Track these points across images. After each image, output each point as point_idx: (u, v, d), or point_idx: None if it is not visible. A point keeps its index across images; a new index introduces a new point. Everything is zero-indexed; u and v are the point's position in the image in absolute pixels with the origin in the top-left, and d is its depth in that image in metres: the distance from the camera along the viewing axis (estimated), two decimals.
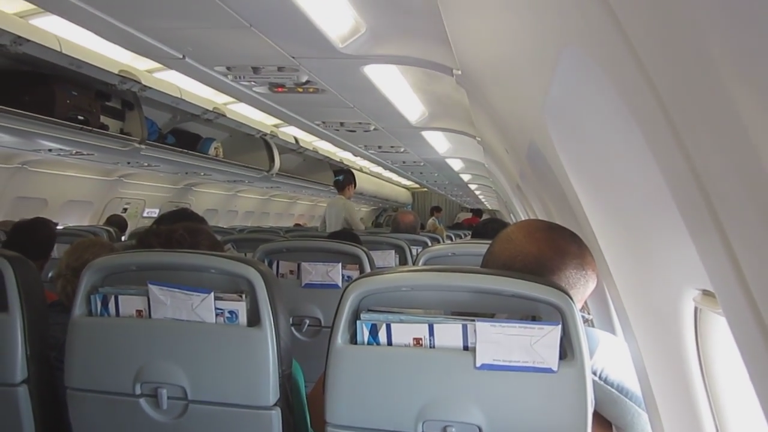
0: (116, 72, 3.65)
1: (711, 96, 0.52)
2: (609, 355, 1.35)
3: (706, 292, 0.99)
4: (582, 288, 1.35)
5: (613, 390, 1.32)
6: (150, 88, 4.00)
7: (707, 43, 0.47)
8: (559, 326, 1.16)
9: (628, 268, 1.32)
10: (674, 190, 0.69)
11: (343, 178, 6.57)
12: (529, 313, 1.23)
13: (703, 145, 0.59)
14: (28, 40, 2.96)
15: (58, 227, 5.09)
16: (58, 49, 3.13)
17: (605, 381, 1.32)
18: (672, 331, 1.16)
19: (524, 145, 2.04)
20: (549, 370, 1.16)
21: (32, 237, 2.89)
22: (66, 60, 3.27)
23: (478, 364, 1.18)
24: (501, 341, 1.17)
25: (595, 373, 1.30)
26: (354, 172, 9.51)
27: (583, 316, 1.23)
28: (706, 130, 0.57)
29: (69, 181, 5.99)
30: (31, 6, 2.80)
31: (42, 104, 3.68)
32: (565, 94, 1.21)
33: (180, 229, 1.85)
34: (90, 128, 4.04)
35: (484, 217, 12.87)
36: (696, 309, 1.10)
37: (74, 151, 4.79)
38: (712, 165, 0.59)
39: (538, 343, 1.16)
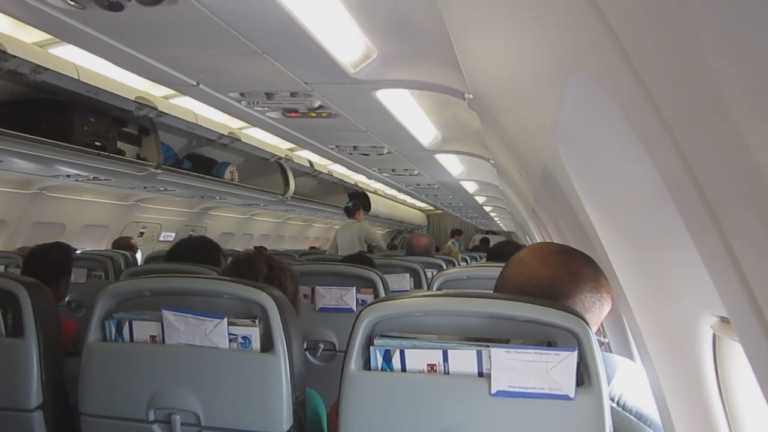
0: (133, 98, 3.70)
1: (716, 120, 0.51)
2: (627, 381, 1.33)
3: (723, 319, 0.98)
4: (597, 311, 1.34)
5: (632, 417, 1.29)
6: (166, 113, 4.05)
7: (712, 67, 0.47)
8: (576, 352, 1.14)
9: (644, 292, 1.30)
10: (683, 213, 0.69)
11: (353, 204, 6.76)
12: (545, 339, 1.21)
13: (710, 166, 0.58)
14: (47, 69, 3.01)
15: (77, 252, 5.14)
16: (76, 77, 3.18)
17: (623, 407, 1.29)
18: (690, 358, 1.14)
19: (537, 168, 2.03)
20: (566, 397, 1.14)
21: (44, 260, 2.92)
22: (84, 87, 3.32)
23: (493, 391, 1.17)
24: (516, 367, 1.16)
25: (612, 399, 1.27)
26: (368, 194, 9.59)
27: (598, 340, 1.21)
28: (713, 152, 0.57)
29: (86, 206, 6.05)
30: (49, 36, 2.86)
31: (60, 131, 3.73)
32: (574, 118, 1.21)
33: (287, 270, 1.97)
34: (107, 154, 4.08)
35: (498, 239, 12.73)
36: (714, 335, 1.08)
37: (92, 177, 4.84)
38: (720, 186, 0.58)
39: (554, 369, 1.14)
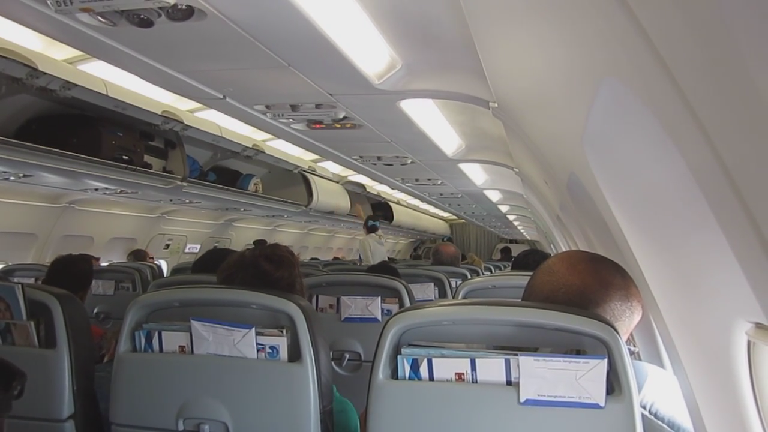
0: (159, 113, 3.76)
1: (756, 122, 0.51)
2: (659, 389, 1.31)
3: (759, 325, 0.96)
4: (627, 320, 1.32)
5: (664, 425, 1.28)
6: (191, 127, 4.10)
7: (751, 72, 0.46)
8: (605, 360, 1.13)
9: (676, 299, 1.28)
10: (721, 219, 0.68)
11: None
12: (574, 347, 1.20)
13: (749, 167, 0.58)
14: (77, 85, 3.08)
15: (103, 264, 5.22)
16: (104, 93, 3.25)
17: (655, 416, 1.27)
18: (724, 366, 1.12)
19: (564, 176, 2.02)
20: (596, 406, 1.13)
21: (71, 271, 2.98)
22: (112, 103, 3.38)
23: (522, 400, 1.16)
24: (545, 376, 1.15)
25: (644, 408, 1.26)
26: (391, 204, 9.64)
27: (629, 349, 1.19)
28: (752, 157, 0.56)
29: (114, 219, 6.15)
30: (78, 52, 2.92)
31: (89, 145, 3.80)
32: (604, 125, 1.20)
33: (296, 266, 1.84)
34: (134, 168, 4.15)
35: (520, 248, 12.52)
36: (749, 342, 1.06)
37: (119, 190, 4.92)
38: (760, 192, 0.57)
39: (583, 378, 1.14)
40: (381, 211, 9.83)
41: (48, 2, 1.75)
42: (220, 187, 5.44)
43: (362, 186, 7.74)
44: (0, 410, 1.05)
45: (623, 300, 1.31)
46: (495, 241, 18.26)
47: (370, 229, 7.81)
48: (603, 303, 1.29)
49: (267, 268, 1.74)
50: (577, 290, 1.30)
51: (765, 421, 1.09)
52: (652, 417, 1.27)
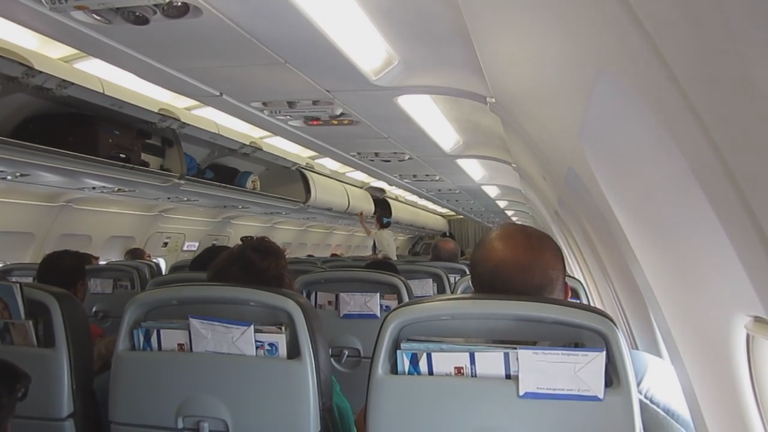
0: (156, 111, 3.75)
1: (754, 116, 0.51)
2: (657, 378, 1.32)
3: (758, 319, 0.96)
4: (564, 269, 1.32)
5: (660, 411, 1.28)
6: (188, 125, 4.10)
7: (748, 63, 0.46)
8: (603, 352, 1.14)
9: (675, 293, 1.29)
10: (719, 212, 0.68)
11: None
12: (572, 340, 1.21)
13: (748, 163, 0.58)
14: (73, 84, 3.07)
15: (101, 262, 5.21)
16: (101, 91, 3.24)
17: (651, 401, 1.28)
18: (723, 359, 1.12)
19: (562, 171, 2.02)
20: (595, 398, 1.14)
21: (58, 267, 2.97)
22: (108, 101, 3.37)
23: (521, 393, 1.16)
24: (544, 369, 1.15)
25: (640, 393, 1.26)
26: (389, 201, 9.67)
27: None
28: (750, 149, 0.56)
29: (112, 218, 6.13)
30: (74, 51, 2.91)
31: (86, 144, 3.79)
32: (602, 118, 1.20)
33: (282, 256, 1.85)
34: (132, 166, 4.14)
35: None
36: (748, 336, 1.06)
37: (117, 189, 4.91)
38: (758, 185, 0.57)
39: (582, 370, 1.14)
40: (379, 207, 9.82)
41: (43, 0, 1.74)
42: (218, 184, 5.43)
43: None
44: (5, 412, 1.05)
45: (559, 258, 1.30)
46: None
47: (384, 226, 8.72)
48: (551, 268, 1.27)
49: (253, 258, 1.76)
50: (552, 278, 1.28)
51: (764, 415, 1.10)
52: (648, 402, 1.28)
